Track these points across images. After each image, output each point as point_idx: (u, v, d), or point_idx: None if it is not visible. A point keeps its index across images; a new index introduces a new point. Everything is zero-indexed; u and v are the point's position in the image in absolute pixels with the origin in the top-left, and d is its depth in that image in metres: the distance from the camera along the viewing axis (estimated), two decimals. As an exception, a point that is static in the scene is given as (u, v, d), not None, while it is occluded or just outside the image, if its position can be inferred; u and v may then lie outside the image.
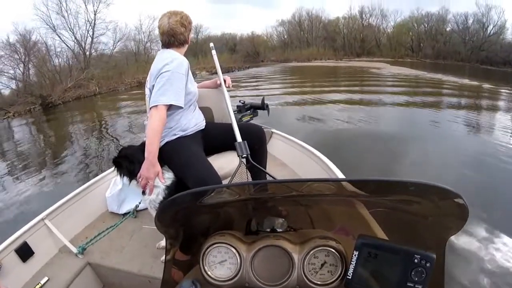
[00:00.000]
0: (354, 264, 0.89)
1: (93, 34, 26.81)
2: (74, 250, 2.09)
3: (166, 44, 2.05)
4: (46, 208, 2.32)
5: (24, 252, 2.00)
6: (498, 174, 4.88)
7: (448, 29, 33.98)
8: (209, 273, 1.01)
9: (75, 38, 26.29)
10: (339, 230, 1.14)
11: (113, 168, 2.05)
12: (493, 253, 3.17)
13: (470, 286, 2.79)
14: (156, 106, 1.83)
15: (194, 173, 1.89)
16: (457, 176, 4.76)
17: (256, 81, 19.55)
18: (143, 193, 1.92)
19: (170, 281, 1.09)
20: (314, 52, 40.37)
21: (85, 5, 26.27)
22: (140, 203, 2.40)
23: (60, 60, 25.56)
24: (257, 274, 0.99)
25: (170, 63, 1.90)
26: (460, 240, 3.25)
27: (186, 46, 2.12)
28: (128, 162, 1.93)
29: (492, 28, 30.95)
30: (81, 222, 2.44)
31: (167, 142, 2.00)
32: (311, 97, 12.12)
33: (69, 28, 26.03)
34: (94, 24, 26.93)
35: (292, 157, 3.40)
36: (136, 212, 2.48)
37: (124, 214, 2.47)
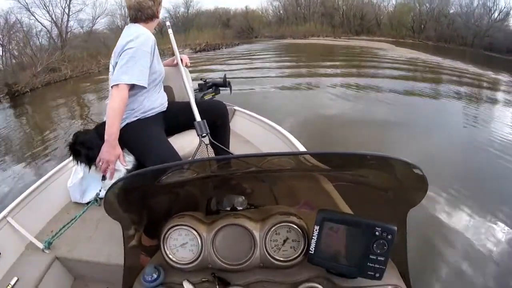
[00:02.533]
0: (315, 239, 0.93)
1: (69, 11, 25.50)
2: (41, 245, 2.08)
3: (133, 19, 1.99)
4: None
5: None
6: (488, 165, 4.96)
7: (451, 11, 33.43)
8: (171, 256, 1.03)
9: (50, 16, 25.05)
10: (303, 205, 1.17)
11: (71, 157, 2.03)
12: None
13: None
14: (118, 85, 1.79)
15: (154, 155, 1.88)
16: (445, 163, 4.82)
17: (239, 62, 18.26)
18: (103, 178, 1.93)
19: (137, 267, 1.11)
20: (311, 28, 39.57)
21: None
22: (101, 190, 2.36)
23: (40, 41, 24.85)
24: (219, 255, 1.02)
25: (135, 39, 1.84)
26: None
27: (156, 20, 2.07)
28: (86, 148, 1.92)
29: (498, 14, 30.54)
30: (45, 215, 2.43)
31: (127, 124, 1.97)
32: (305, 81, 11.65)
33: (43, 6, 24.79)
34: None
35: (256, 134, 3.45)
36: (100, 200, 2.43)
37: (88, 203, 2.43)
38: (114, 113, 1.76)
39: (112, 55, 1.95)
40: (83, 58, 22.36)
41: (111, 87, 1.81)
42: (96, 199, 2.41)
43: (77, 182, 2.54)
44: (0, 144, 8.43)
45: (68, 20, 25.39)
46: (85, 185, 2.56)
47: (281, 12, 44.89)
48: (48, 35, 25.24)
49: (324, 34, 37.67)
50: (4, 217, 2.16)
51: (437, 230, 3.35)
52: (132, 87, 1.85)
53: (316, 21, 41.37)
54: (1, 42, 22.31)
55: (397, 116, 7.05)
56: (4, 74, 19.87)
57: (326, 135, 6.09)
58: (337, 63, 16.20)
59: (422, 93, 9.19)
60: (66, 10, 25.18)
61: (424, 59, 17.86)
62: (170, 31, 2.49)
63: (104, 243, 2.07)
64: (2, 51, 22.21)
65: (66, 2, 25.26)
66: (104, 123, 1.88)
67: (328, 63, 15.84)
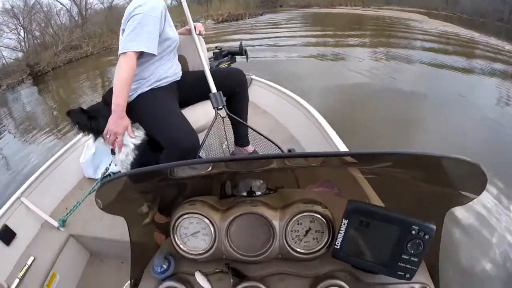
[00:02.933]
0: (343, 233, 0.85)
1: None
2: (55, 224, 2.11)
3: None
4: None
5: (6, 235, 2.02)
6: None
7: None
8: (181, 246, 0.97)
9: None
10: (322, 184, 1.09)
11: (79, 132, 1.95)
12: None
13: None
14: (125, 53, 1.71)
15: (167, 129, 1.81)
16: (476, 139, 4.64)
17: (266, 32, 17.65)
18: (112, 152, 1.87)
19: (153, 245, 1.07)
20: (338, -4, 38.17)
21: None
22: (110, 164, 2.34)
23: (61, 20, 24.89)
24: (234, 245, 0.95)
25: (143, 5, 1.75)
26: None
27: None
28: (89, 118, 1.84)
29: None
30: (58, 193, 2.46)
31: (139, 95, 1.91)
32: (331, 51, 11.22)
33: None
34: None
35: (274, 104, 3.39)
36: (112, 174, 2.41)
37: (101, 178, 2.45)
38: (121, 82, 1.69)
39: (122, 21, 1.84)
40: (103, 33, 22.44)
41: (119, 55, 1.73)
42: (109, 174, 2.41)
43: (89, 158, 2.54)
44: (27, 119, 8.91)
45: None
46: (97, 160, 2.57)
47: (307, -21, 43.64)
48: (68, 13, 25.30)
49: (352, 3, 36.20)
50: (18, 197, 2.18)
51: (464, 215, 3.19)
52: (141, 54, 1.78)
53: (343, -11, 40.02)
54: (22, 24, 22.53)
55: (427, 90, 6.72)
56: (27, 55, 20.22)
57: (351, 107, 5.89)
58: (366, 32, 15.54)
59: (454, 67, 8.75)
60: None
61: (458, 32, 16.61)
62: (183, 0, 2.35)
63: (118, 220, 2.00)
64: (24, 32, 22.47)
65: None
66: (111, 90, 1.81)
67: (357, 33, 15.22)
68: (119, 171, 2.04)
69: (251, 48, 2.87)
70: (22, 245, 2.05)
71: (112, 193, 0.88)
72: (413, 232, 0.79)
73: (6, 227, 2.04)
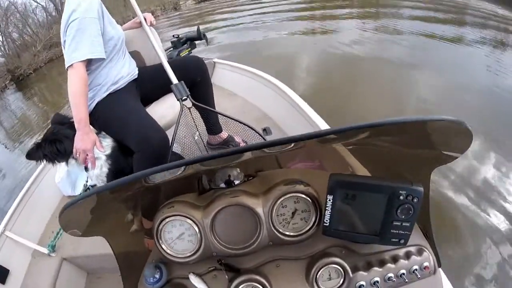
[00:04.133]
0: (329, 209, 0.83)
1: None
2: (45, 251, 2.08)
3: None
4: None
5: None
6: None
7: None
8: (169, 251, 0.93)
9: None
10: (303, 159, 1.07)
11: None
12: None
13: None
14: (72, 65, 1.62)
15: (133, 131, 1.72)
16: (468, 106, 4.51)
17: (245, 8, 16.96)
18: (86, 169, 1.78)
19: (144, 253, 1.03)
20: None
21: None
22: (87, 181, 2.28)
23: (38, 18, 24.74)
24: (222, 240, 0.92)
25: (77, 8, 1.64)
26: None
27: None
28: (51, 144, 1.72)
29: None
30: (42, 218, 2.42)
31: (98, 103, 1.83)
32: (317, 25, 10.66)
33: None
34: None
35: (241, 85, 3.30)
36: (91, 188, 2.30)
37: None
38: (76, 96, 1.62)
39: (61, 33, 1.74)
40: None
41: (66, 69, 1.64)
42: (87, 189, 2.34)
43: (64, 176, 2.49)
44: (17, 125, 9.01)
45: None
46: (73, 177, 2.52)
47: None
48: (44, 10, 25.04)
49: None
50: (2, 232, 2.14)
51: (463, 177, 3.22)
52: (89, 62, 1.71)
53: None
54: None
55: (417, 59, 6.51)
56: (7, 59, 19.92)
57: (341, 83, 5.79)
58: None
59: (444, 36, 8.59)
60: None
61: None
62: None
63: None
64: (2, 36, 22.03)
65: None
66: (57, 114, 1.81)
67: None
68: (95, 185, 1.93)
69: (233, 28, 2.84)
70: (18, 280, 2.02)
71: (79, 215, 0.83)
72: (401, 197, 0.78)
73: None
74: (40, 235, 2.30)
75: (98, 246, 2.00)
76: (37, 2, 24.67)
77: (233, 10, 17.40)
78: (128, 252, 1.02)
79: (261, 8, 15.90)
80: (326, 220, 0.84)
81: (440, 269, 0.93)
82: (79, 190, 2.44)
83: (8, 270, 2.01)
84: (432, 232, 0.92)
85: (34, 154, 1.74)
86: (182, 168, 0.80)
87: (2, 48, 22.40)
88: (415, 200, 0.77)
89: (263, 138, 1.89)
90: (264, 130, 2.02)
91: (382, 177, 0.83)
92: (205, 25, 14.50)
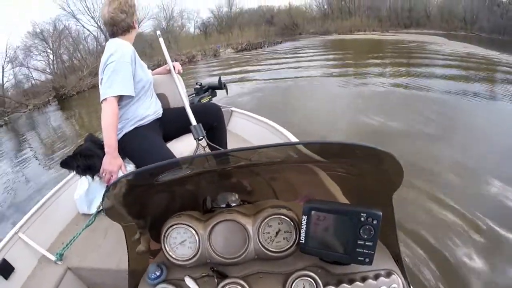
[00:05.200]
0: (304, 228, 0.98)
1: None
2: (53, 258, 2.14)
3: (111, 34, 2.11)
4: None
5: (4, 269, 2.05)
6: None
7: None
8: (171, 254, 1.10)
9: (96, 22, 26.89)
10: (303, 198, 1.19)
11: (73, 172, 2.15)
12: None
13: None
14: (106, 99, 1.90)
15: (154, 161, 1.86)
16: None
17: (279, 62, 17.46)
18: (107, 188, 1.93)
19: (143, 268, 1.18)
20: (356, 22, 38.55)
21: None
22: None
23: (88, 45, 26.78)
24: (216, 250, 1.08)
25: (114, 53, 1.95)
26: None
27: (134, 31, 2.18)
28: (84, 158, 2.04)
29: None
30: (54, 229, 2.51)
31: (125, 134, 2.09)
32: (351, 81, 10.72)
33: (87, 12, 26.91)
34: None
35: (254, 134, 3.46)
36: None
37: (95, 213, 2.45)
38: (108, 126, 1.88)
39: (99, 72, 2.04)
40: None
41: (101, 102, 1.93)
42: (103, 209, 2.39)
43: (83, 194, 2.58)
44: (55, 142, 9.47)
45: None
46: (91, 196, 2.61)
47: (325, 7, 44.30)
48: (95, 39, 27.01)
49: (370, 28, 36.66)
50: (16, 233, 2.24)
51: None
52: (120, 98, 1.98)
53: (362, 14, 40.38)
54: (52, 48, 23.63)
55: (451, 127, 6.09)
56: (54, 78, 21.16)
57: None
58: (386, 60, 14.84)
59: (479, 96, 8.30)
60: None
61: (477, 53, 15.77)
62: (161, 39, 2.56)
63: (113, 250, 2.14)
64: (53, 56, 23.65)
65: (109, 8, 26.68)
66: (90, 134, 2.05)
67: (376, 61, 14.57)
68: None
69: (224, 81, 2.98)
70: (20, 280, 2.09)
71: (117, 196, 1.04)
72: (362, 219, 0.91)
73: (4, 262, 2.08)
74: (50, 243, 2.37)
75: (102, 260, 2.09)
76: (90, 32, 26.82)
77: (269, 63, 17.93)
78: (137, 251, 1.19)
79: (295, 62, 16.23)
80: (302, 238, 0.99)
81: None
82: (94, 209, 2.52)
83: (14, 268, 2.07)
84: (401, 257, 1.03)
85: (68, 164, 2.05)
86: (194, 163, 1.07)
87: (51, 67, 23.98)
88: (374, 221, 0.90)
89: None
90: None
91: (349, 203, 1.02)
92: (242, 74, 14.94)
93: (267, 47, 29.54)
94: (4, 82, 23.52)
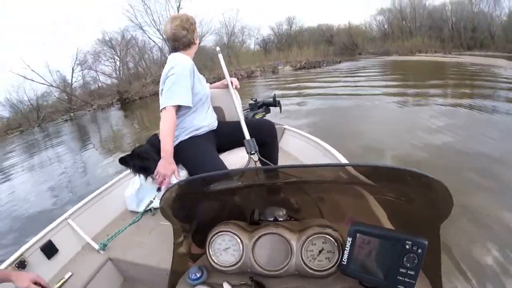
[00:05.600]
0: (348, 250, 0.99)
1: None
2: (96, 246, 2.24)
3: (173, 49, 2.24)
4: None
5: (49, 249, 2.19)
6: None
7: None
8: (214, 259, 1.17)
9: (161, 34, 28.49)
10: (348, 221, 1.19)
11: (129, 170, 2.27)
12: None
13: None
14: (165, 108, 2.01)
15: (207, 170, 1.89)
16: None
17: (338, 84, 16.42)
18: (158, 189, 2.16)
19: (183, 270, 1.26)
20: (418, 43, 37.56)
21: (167, 2, 28.69)
22: (154, 199, 2.49)
23: (153, 55, 28.78)
24: (258, 261, 1.13)
25: (176, 66, 2.07)
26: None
27: (194, 46, 2.30)
28: (141, 159, 2.20)
29: None
30: (102, 220, 2.62)
31: (181, 142, 2.19)
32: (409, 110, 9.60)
33: (153, 25, 28.58)
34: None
35: (305, 152, 3.45)
36: (153, 210, 2.62)
37: (143, 212, 2.60)
38: (166, 133, 1.98)
39: (160, 82, 2.17)
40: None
41: (161, 111, 2.04)
42: (150, 209, 2.60)
43: (134, 192, 2.69)
44: (117, 139, 10.31)
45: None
46: (141, 195, 2.70)
47: (385, 26, 43.94)
48: (159, 50, 28.68)
49: (432, 49, 35.56)
50: (65, 218, 2.38)
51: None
52: (179, 108, 2.09)
53: (423, 35, 39.37)
54: (119, 55, 25.55)
55: None
56: (119, 82, 23.20)
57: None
58: (448, 89, 13.37)
59: None
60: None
61: None
62: (220, 55, 2.67)
63: (155, 248, 2.18)
64: (120, 62, 25.63)
65: (174, 22, 28.59)
66: (155, 135, 2.16)
67: (438, 91, 13.04)
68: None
69: (279, 99, 3.02)
70: (62, 261, 2.19)
71: (172, 199, 1.10)
72: (407, 247, 0.91)
73: (50, 243, 2.21)
74: (96, 233, 2.47)
75: (144, 256, 2.14)
76: (155, 43, 28.71)
77: (325, 81, 17.83)
78: (179, 252, 1.26)
79: (354, 82, 16.08)
80: (344, 259, 1.01)
81: None
82: (142, 208, 2.62)
83: (58, 250, 2.22)
84: (441, 285, 1.01)
85: (127, 162, 2.22)
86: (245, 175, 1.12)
87: (117, 72, 25.83)
88: (419, 250, 0.91)
89: None
90: None
91: (394, 230, 1.02)
92: (296, 90, 15.13)
93: (326, 66, 29.34)
94: (73, 82, 26.29)
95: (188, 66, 2.12)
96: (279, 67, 29.62)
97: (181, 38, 2.20)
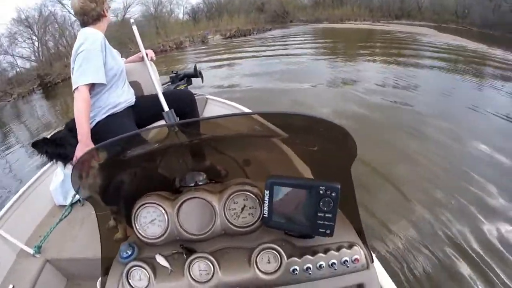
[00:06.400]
0: (267, 202, 1.04)
1: None
2: (31, 251, 2.16)
3: (82, 23, 2.15)
4: None
5: None
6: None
7: None
8: (142, 233, 1.15)
9: None
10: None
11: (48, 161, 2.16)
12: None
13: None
14: (77, 88, 1.94)
15: None
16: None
17: (268, 49, 17.12)
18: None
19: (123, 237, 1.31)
20: (348, 12, 38.10)
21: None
22: None
23: (75, 32, 25.84)
24: (184, 227, 1.14)
25: (85, 42, 1.99)
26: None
27: (105, 19, 2.21)
28: (55, 145, 2.04)
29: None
30: (32, 221, 2.54)
31: (98, 122, 2.13)
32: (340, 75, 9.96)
33: None
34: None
35: None
36: (82, 200, 2.59)
37: (71, 205, 2.54)
38: (80, 114, 1.91)
39: (71, 61, 2.08)
40: (114, 46, 22.57)
41: (73, 91, 1.96)
42: (79, 200, 2.56)
43: (58, 185, 2.63)
44: (39, 131, 9.56)
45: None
46: (66, 187, 2.65)
47: (317, -5, 43.82)
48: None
49: (362, 18, 36.23)
50: None
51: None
52: (92, 86, 2.01)
53: (353, 4, 39.85)
54: (37, 35, 23.32)
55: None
56: (39, 65, 20.90)
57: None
58: (376, 50, 14.53)
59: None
60: (97, 0, 25.92)
61: (467, 46, 15.49)
62: (134, 27, 2.57)
63: (90, 240, 2.18)
64: (38, 43, 23.25)
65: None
66: (73, 119, 2.01)
67: (366, 51, 13.98)
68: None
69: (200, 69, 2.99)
70: (0, 275, 2.09)
71: (83, 178, 1.07)
72: (321, 192, 0.97)
73: None
74: (28, 237, 2.39)
75: (80, 250, 2.13)
76: (75, 17, 26.10)
77: (256, 50, 17.71)
78: (110, 232, 1.28)
79: (284, 49, 16.04)
80: (265, 212, 1.05)
81: (375, 264, 1.11)
82: (69, 200, 2.55)
83: None
84: (363, 230, 1.10)
85: (39, 147, 2.03)
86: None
87: (37, 54, 23.48)
88: (333, 194, 0.96)
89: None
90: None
91: (309, 178, 1.08)
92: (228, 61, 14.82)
93: (256, 34, 29.19)
94: None
95: (99, 41, 2.04)
96: (209, 37, 29.01)
97: (89, 12, 2.11)
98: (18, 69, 23.70)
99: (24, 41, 24.65)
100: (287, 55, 14.45)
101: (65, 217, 2.36)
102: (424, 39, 18.24)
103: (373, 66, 10.13)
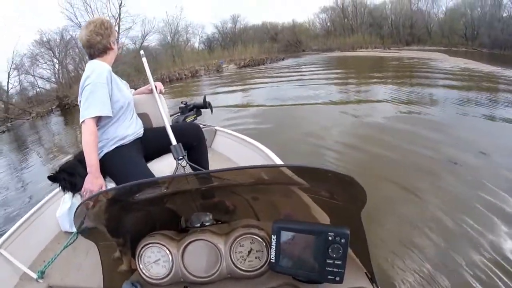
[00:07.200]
0: (274, 247, 0.99)
1: (118, 29, 27.22)
2: (34, 275, 2.10)
3: (90, 56, 2.14)
4: None
5: None
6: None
7: (504, 15, 30.43)
8: (145, 273, 1.13)
9: None
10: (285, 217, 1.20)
11: (58, 187, 2.16)
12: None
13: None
14: (84, 121, 1.93)
15: (134, 180, 1.88)
16: None
17: (281, 80, 16.51)
18: None
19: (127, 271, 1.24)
20: (359, 40, 38.72)
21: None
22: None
23: None
24: (189, 269, 1.11)
25: (91, 75, 1.98)
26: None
27: (112, 52, 2.19)
28: (67, 174, 2.07)
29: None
30: (36, 246, 2.48)
31: (106, 154, 2.09)
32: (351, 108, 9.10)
33: None
34: (119, 18, 27.67)
35: (238, 153, 3.47)
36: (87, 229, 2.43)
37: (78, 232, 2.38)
38: (88, 147, 1.90)
39: (79, 94, 2.07)
40: (131, 73, 22.97)
41: (80, 124, 1.95)
42: (75, 227, 2.44)
43: (65, 211, 2.55)
44: (59, 149, 9.71)
45: (118, 38, 26.78)
46: (73, 214, 2.50)
47: (328, 24, 44.78)
48: None
49: (373, 45, 36.83)
50: None
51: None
52: (99, 118, 2.00)
53: (364, 32, 40.79)
54: (58, 57, 24.10)
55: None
56: (59, 87, 21.51)
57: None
58: (388, 79, 13.86)
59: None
60: (116, 28, 26.59)
61: (479, 69, 15.22)
62: (144, 59, 2.58)
63: (95, 269, 1.99)
64: (59, 65, 24.00)
65: (116, 21, 27.27)
66: (82, 151, 2.01)
67: (378, 80, 13.68)
68: None
69: (209, 101, 3.00)
70: None
71: (88, 213, 1.05)
72: (330, 238, 0.92)
73: None
74: (32, 260, 2.33)
75: (84, 279, 2.05)
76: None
77: (269, 77, 18.05)
78: (112, 269, 1.22)
79: (298, 79, 16.13)
80: (272, 257, 1.00)
81: None
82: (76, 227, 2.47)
83: None
84: (373, 273, 1.03)
85: (55, 178, 2.08)
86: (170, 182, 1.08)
87: (57, 76, 24.25)
88: (342, 240, 0.91)
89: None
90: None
91: (318, 223, 1.02)
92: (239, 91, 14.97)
93: (269, 63, 29.53)
94: (9, 89, 24.11)
95: (104, 74, 2.01)
96: (223, 66, 29.43)
97: (95, 45, 2.09)
98: (38, 89, 24.80)
99: (45, 62, 25.78)
100: (301, 85, 14.15)
101: (70, 244, 2.26)
102: (433, 64, 18.18)
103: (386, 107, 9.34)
